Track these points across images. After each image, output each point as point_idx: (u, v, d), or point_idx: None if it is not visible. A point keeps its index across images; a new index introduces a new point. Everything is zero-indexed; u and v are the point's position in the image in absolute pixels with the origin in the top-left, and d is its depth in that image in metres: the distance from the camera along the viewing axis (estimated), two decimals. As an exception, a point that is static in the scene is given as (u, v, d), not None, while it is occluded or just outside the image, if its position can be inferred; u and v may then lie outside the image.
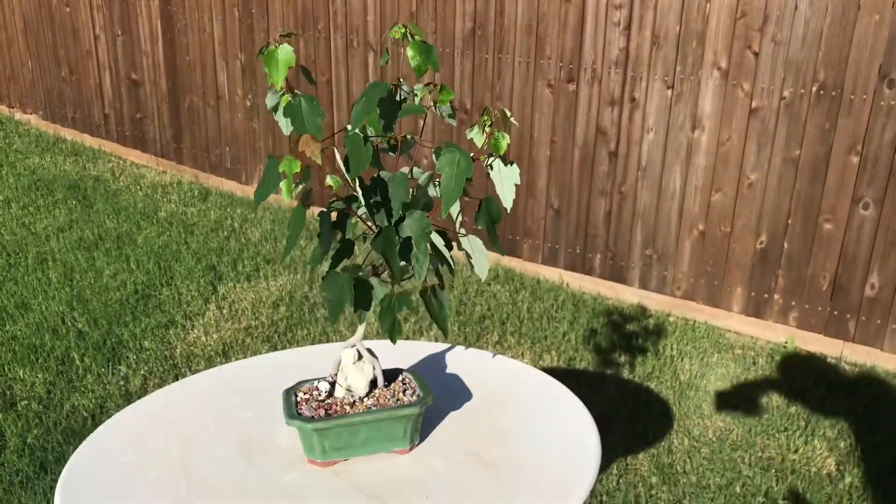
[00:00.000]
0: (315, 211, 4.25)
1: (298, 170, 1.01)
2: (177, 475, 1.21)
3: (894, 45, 2.66)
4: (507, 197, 1.19)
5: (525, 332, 3.09)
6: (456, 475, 1.21)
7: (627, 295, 3.41)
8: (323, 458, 1.20)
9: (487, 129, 1.15)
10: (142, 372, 2.74)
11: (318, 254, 1.14)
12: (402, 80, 1.25)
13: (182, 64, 4.61)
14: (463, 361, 1.59)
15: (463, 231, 1.23)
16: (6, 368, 2.73)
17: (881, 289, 2.87)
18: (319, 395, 1.26)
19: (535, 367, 2.87)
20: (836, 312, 2.98)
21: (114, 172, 4.91)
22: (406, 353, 1.62)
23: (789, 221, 2.98)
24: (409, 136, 1.24)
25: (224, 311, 3.18)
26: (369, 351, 1.27)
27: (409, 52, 1.14)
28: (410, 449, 1.26)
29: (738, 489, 2.27)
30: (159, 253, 3.71)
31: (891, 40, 2.66)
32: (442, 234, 1.20)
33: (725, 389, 2.77)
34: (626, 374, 2.83)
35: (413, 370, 1.35)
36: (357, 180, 1.10)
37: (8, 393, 2.60)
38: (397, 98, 1.23)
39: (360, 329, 1.22)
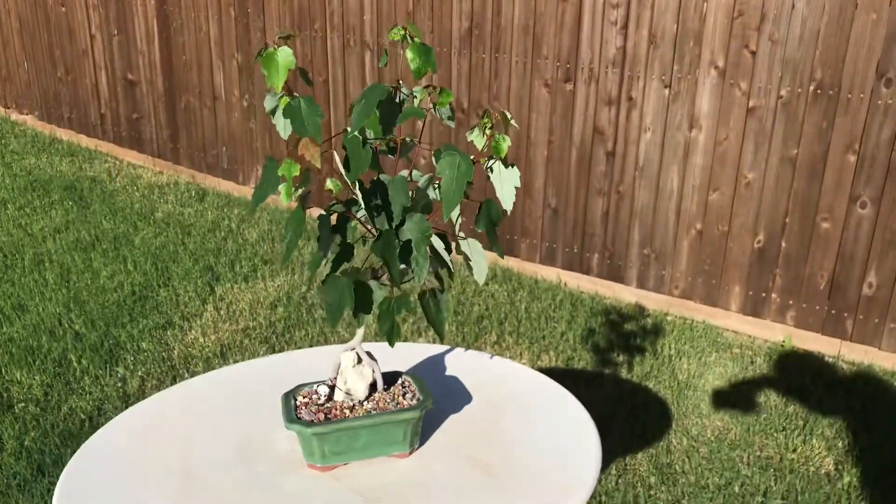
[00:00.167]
0: (313, 211, 4.25)
1: (298, 173, 1.01)
2: (176, 480, 1.21)
3: (892, 43, 2.66)
4: (507, 199, 1.18)
5: (523, 332, 3.09)
6: (456, 479, 1.21)
7: (625, 294, 3.41)
8: (323, 462, 1.20)
9: (488, 132, 1.15)
10: (139, 373, 2.73)
11: (318, 258, 1.13)
12: (400, 81, 1.24)
13: (178, 64, 4.60)
14: (462, 363, 1.58)
15: (462, 234, 1.23)
16: (3, 371, 2.72)
17: (879, 287, 2.87)
18: (319, 398, 1.26)
19: (534, 367, 2.87)
20: (833, 311, 2.98)
21: (110, 173, 4.89)
22: (405, 355, 1.61)
23: (787, 220, 2.99)
24: (408, 139, 1.23)
25: (222, 312, 3.17)
26: (369, 354, 1.27)
27: (409, 55, 1.14)
28: (410, 453, 1.25)
29: (736, 489, 2.27)
30: (156, 254, 3.70)
31: (888, 39, 2.66)
32: (441, 237, 1.20)
33: (723, 389, 2.77)
34: (624, 373, 2.83)
35: (412, 373, 1.35)
36: (357, 183, 1.09)
37: (5, 395, 2.59)
38: (396, 100, 1.22)
39: (360, 332, 1.22)
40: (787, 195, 2.96)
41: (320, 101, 4.08)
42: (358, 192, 1.08)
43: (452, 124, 1.24)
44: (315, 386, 1.29)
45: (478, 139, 1.15)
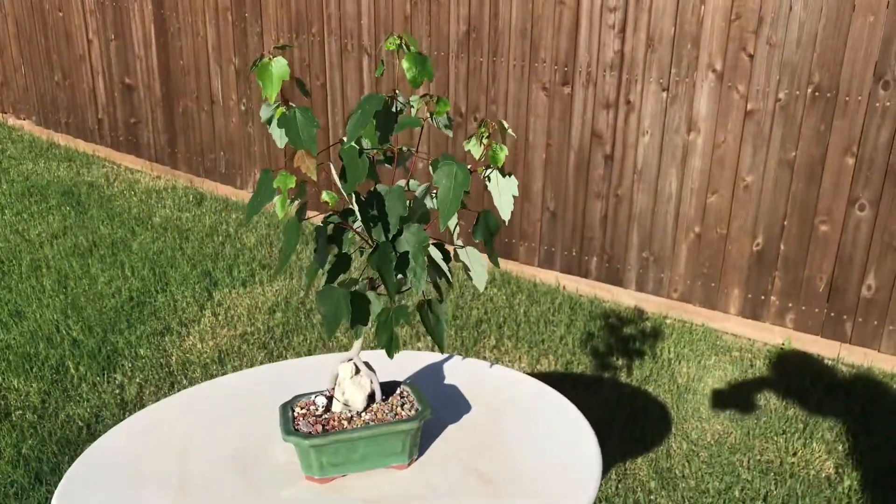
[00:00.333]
0: (310, 215, 4.24)
1: (293, 185, 1.00)
2: (173, 492, 1.20)
3: (889, 46, 2.66)
4: (505, 209, 1.18)
5: (522, 336, 3.08)
6: (455, 490, 1.20)
7: (624, 297, 3.41)
8: (321, 474, 1.19)
9: (485, 141, 1.14)
10: (137, 380, 2.72)
11: (314, 268, 1.13)
12: (397, 91, 1.24)
13: (176, 68, 4.59)
14: (461, 371, 1.58)
15: (461, 243, 1.22)
16: (0, 378, 2.71)
17: (878, 290, 2.87)
18: (317, 409, 1.25)
19: (533, 371, 2.86)
20: (832, 314, 2.97)
21: (108, 178, 4.88)
22: (404, 363, 1.61)
23: (785, 223, 2.98)
24: (405, 148, 1.23)
25: (220, 318, 3.17)
26: (367, 364, 1.26)
27: (405, 65, 1.13)
28: (409, 464, 1.25)
29: (737, 493, 2.27)
30: (154, 259, 3.69)
31: (886, 41, 2.66)
32: (439, 246, 1.19)
33: (723, 392, 2.76)
34: (623, 377, 2.83)
35: (411, 382, 1.34)
36: (353, 194, 1.09)
37: (2, 403, 2.58)
38: (393, 110, 1.22)
39: (357, 343, 1.21)
40: (785, 198, 2.96)
41: (318, 105, 4.08)
42: (354, 204, 1.07)
43: (450, 133, 1.23)
44: (313, 397, 1.28)
45: (475, 149, 1.14)
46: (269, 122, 1.15)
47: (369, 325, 1.14)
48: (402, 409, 1.25)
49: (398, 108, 1.21)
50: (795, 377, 2.87)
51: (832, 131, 2.81)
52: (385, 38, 3.64)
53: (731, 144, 3.01)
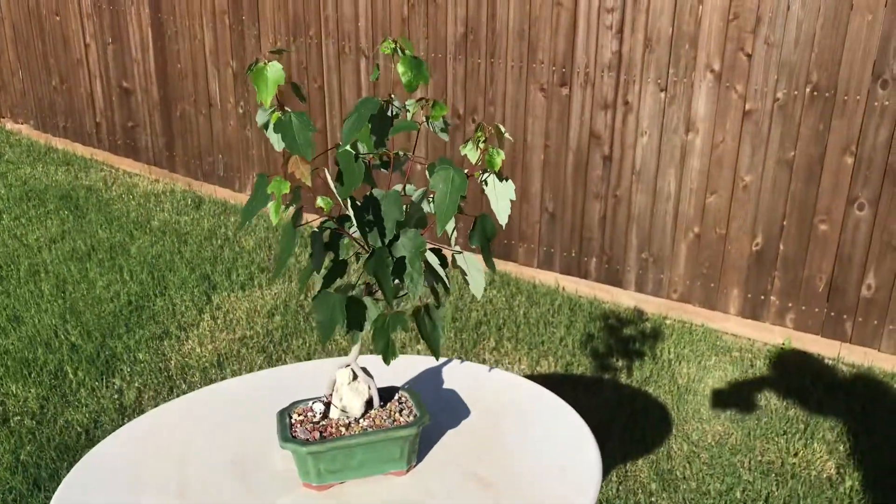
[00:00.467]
0: (309, 219, 4.23)
1: (288, 191, 0.99)
2: (171, 498, 1.20)
3: (887, 45, 2.65)
4: (502, 213, 1.17)
5: (522, 338, 3.08)
6: (455, 496, 1.19)
7: (624, 298, 3.40)
8: (318, 481, 1.18)
9: (482, 146, 1.13)
10: (136, 385, 2.71)
11: (308, 272, 1.12)
12: (393, 95, 1.23)
13: (173, 72, 4.59)
14: (460, 375, 1.57)
15: (458, 248, 1.21)
16: (-1, 384, 2.71)
17: (878, 289, 2.86)
18: (314, 416, 1.25)
19: (533, 372, 2.85)
20: (832, 313, 2.97)
21: (106, 182, 4.88)
22: (402, 368, 1.60)
23: (784, 223, 2.98)
24: (401, 153, 1.22)
25: (219, 321, 3.16)
26: (364, 370, 1.26)
27: (400, 69, 1.13)
28: (408, 470, 1.24)
29: (738, 494, 2.26)
30: (153, 263, 3.68)
31: (884, 40, 2.65)
32: (436, 252, 1.18)
33: (723, 392, 2.76)
34: (623, 378, 2.82)
35: (409, 388, 1.33)
36: (349, 200, 1.08)
37: (1, 409, 2.57)
38: (389, 113, 1.21)
39: (355, 349, 1.21)
40: (784, 198, 2.95)
41: (316, 108, 4.07)
42: (350, 210, 1.07)
43: (446, 137, 1.23)
44: (310, 403, 1.28)
45: (471, 153, 1.14)
46: (266, 126, 1.14)
47: (365, 331, 1.14)
48: (401, 415, 1.25)
49: (394, 112, 1.20)
50: (796, 377, 2.87)
51: (831, 131, 2.80)
52: (382, 40, 3.63)
53: (729, 144, 3.00)
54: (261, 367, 2.85)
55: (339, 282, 1.14)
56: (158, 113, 4.77)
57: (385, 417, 1.24)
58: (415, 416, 1.24)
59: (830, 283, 2.94)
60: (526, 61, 3.35)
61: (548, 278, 3.58)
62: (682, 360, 2.95)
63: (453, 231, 1.20)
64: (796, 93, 2.84)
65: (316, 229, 1.10)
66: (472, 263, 1.20)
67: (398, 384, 1.52)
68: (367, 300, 1.14)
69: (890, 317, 2.86)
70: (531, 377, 2.83)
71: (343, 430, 1.21)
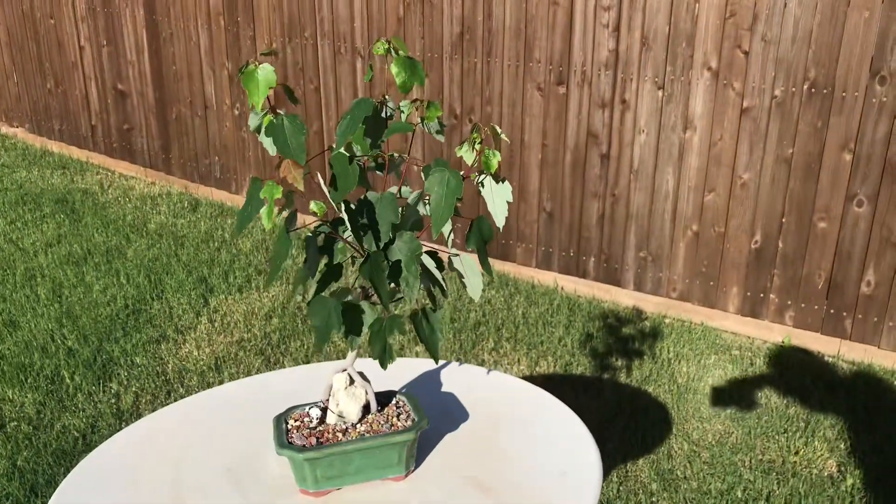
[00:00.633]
0: (308, 222, 4.22)
1: (280, 195, 0.98)
2: (166, 508, 1.18)
3: (885, 41, 2.64)
4: (499, 215, 1.16)
5: (521, 338, 3.06)
6: (453, 501, 1.18)
7: (623, 297, 3.39)
8: (315, 487, 1.17)
9: (477, 147, 1.12)
10: (133, 389, 2.70)
11: (302, 276, 1.11)
12: (386, 96, 1.21)
13: (168, 74, 4.57)
14: (458, 378, 1.56)
15: (455, 251, 1.20)
16: (-5, 390, 2.69)
17: (877, 286, 2.85)
18: (311, 421, 1.23)
19: (532, 373, 2.84)
20: (832, 311, 2.96)
21: (102, 185, 4.86)
22: (400, 371, 1.59)
23: (783, 220, 2.96)
24: (396, 154, 1.21)
25: (216, 324, 3.14)
26: (361, 375, 1.24)
27: (394, 69, 1.11)
28: (406, 475, 1.23)
29: (739, 494, 2.25)
30: (149, 266, 3.67)
31: (881, 36, 2.64)
32: (433, 255, 1.17)
33: (723, 391, 2.75)
34: (623, 378, 2.81)
35: (407, 392, 1.32)
36: (343, 204, 1.07)
37: (-3, 415, 2.56)
38: (383, 115, 1.19)
39: (351, 354, 1.19)
40: (782, 195, 2.94)
41: (312, 109, 4.06)
42: (344, 213, 1.05)
43: (441, 138, 1.21)
44: (307, 408, 1.26)
45: (467, 154, 1.12)
46: (259, 130, 1.13)
47: (363, 335, 1.12)
48: (398, 420, 1.23)
49: (388, 114, 1.19)
50: (796, 375, 2.86)
51: (829, 127, 2.79)
52: (377, 40, 3.62)
53: (727, 142, 2.99)
54: (259, 371, 2.84)
55: (334, 286, 1.13)
56: (154, 115, 4.75)
57: (383, 422, 1.23)
58: (413, 420, 1.23)
59: (830, 280, 2.93)
60: (523, 60, 3.34)
61: (546, 278, 3.57)
62: (682, 359, 2.94)
63: (450, 233, 1.18)
64: (794, 90, 2.82)
65: (310, 234, 1.09)
66: (469, 266, 1.19)
67: (396, 388, 1.51)
68: (364, 304, 1.13)
69: (890, 313, 2.85)
70: (530, 378, 2.82)
71: (340, 435, 1.20)
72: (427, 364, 1.61)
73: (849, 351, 2.96)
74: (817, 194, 2.88)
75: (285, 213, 1.01)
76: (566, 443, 1.33)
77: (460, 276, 1.20)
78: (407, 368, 1.60)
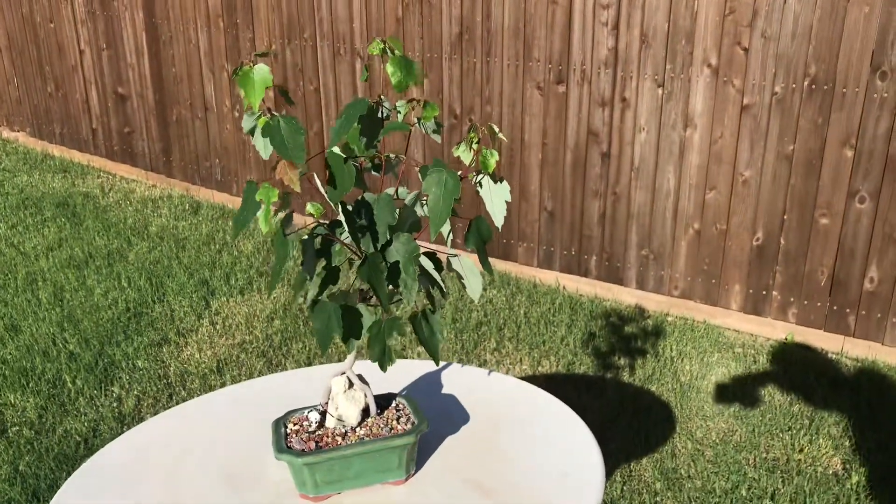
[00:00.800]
0: (308, 223, 4.21)
1: (276, 198, 0.97)
2: (165, 513, 1.18)
3: (885, 36, 2.62)
4: (497, 215, 1.15)
5: (523, 338, 3.05)
6: None
7: (625, 296, 3.38)
8: (315, 492, 1.16)
9: (475, 147, 1.11)
10: (135, 392, 2.69)
11: (300, 280, 1.10)
12: (382, 96, 1.21)
13: (168, 76, 4.57)
14: (458, 380, 1.55)
15: (454, 252, 1.19)
16: (-3, 394, 2.69)
17: (880, 282, 2.84)
18: (310, 425, 1.22)
19: (534, 373, 2.83)
20: (835, 307, 2.94)
21: (103, 188, 4.86)
22: (399, 374, 1.58)
23: (785, 217, 2.95)
24: (392, 155, 1.20)
25: (217, 327, 3.14)
26: (360, 378, 1.23)
27: (390, 69, 1.11)
28: (406, 479, 1.22)
29: (743, 492, 2.24)
30: (151, 269, 3.66)
31: (882, 31, 2.62)
32: (431, 256, 1.16)
33: (727, 389, 2.73)
34: (626, 377, 2.80)
35: (406, 394, 1.31)
36: (340, 205, 1.06)
37: (-1, 420, 2.56)
38: (379, 115, 1.19)
39: (350, 357, 1.19)
40: (784, 192, 2.93)
41: (312, 110, 4.05)
42: (341, 215, 1.04)
43: (438, 139, 1.21)
44: (306, 412, 1.26)
45: (465, 154, 1.12)
46: (253, 132, 1.12)
47: (362, 338, 1.12)
48: (398, 423, 1.23)
49: (384, 114, 1.18)
50: (799, 372, 2.84)
51: (830, 124, 2.78)
52: (374, 40, 3.61)
53: (728, 139, 2.98)
54: (261, 373, 2.83)
55: (332, 288, 1.12)
56: (154, 118, 4.75)
57: (382, 426, 1.22)
58: (413, 423, 1.22)
59: (832, 276, 2.92)
60: (522, 60, 3.33)
61: (548, 277, 3.56)
62: (685, 358, 2.92)
63: (449, 234, 1.18)
64: (794, 86, 2.81)
65: (306, 236, 1.08)
66: (469, 267, 1.18)
67: (395, 390, 1.50)
68: (362, 307, 1.12)
69: (893, 310, 2.84)
70: (533, 377, 2.81)
71: (339, 439, 1.19)
72: (427, 366, 1.60)
73: (852, 348, 2.94)
74: (819, 191, 2.86)
75: (281, 215, 1.01)
76: (567, 444, 1.32)
77: (460, 277, 1.19)
78: (407, 370, 1.59)
